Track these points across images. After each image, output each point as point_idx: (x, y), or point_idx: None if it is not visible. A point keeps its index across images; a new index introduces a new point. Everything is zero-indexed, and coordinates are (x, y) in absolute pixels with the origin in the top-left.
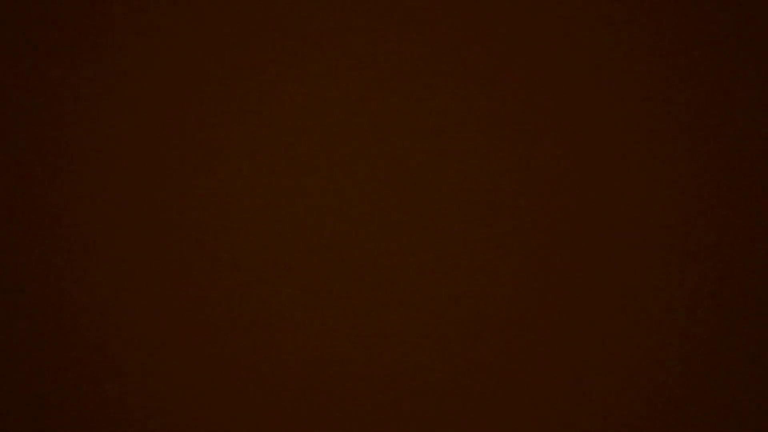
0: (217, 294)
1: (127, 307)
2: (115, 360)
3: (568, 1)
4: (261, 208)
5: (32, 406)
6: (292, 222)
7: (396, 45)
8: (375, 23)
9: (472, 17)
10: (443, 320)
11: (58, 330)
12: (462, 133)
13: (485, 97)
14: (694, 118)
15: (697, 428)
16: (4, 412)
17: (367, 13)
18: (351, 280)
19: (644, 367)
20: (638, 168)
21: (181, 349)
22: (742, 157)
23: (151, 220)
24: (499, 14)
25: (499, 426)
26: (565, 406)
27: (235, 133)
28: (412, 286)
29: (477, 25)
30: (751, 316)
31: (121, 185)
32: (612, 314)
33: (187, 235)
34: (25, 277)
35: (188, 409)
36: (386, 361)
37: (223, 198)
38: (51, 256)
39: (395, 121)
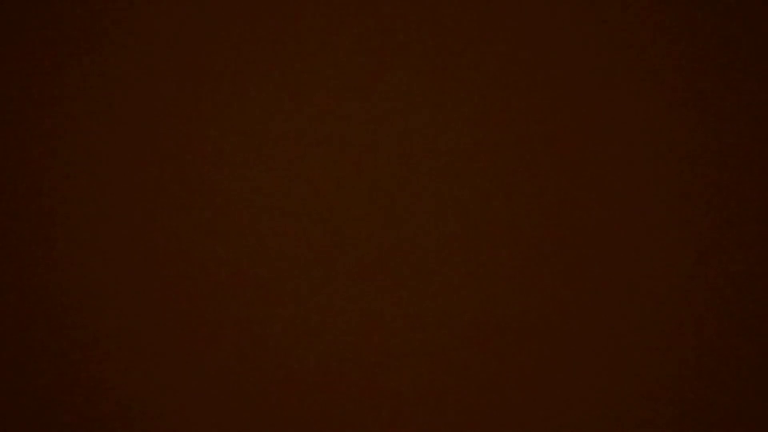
0: (214, 294)
1: (125, 307)
2: (114, 360)
3: (570, 1)
4: (257, 208)
5: (28, 405)
6: (289, 222)
7: (396, 44)
8: (375, 23)
9: (473, 17)
10: (443, 321)
11: (54, 330)
12: (462, 133)
13: (486, 97)
14: (695, 119)
15: (697, 428)
16: (4, 411)
17: (368, 12)
18: (349, 281)
19: (644, 368)
20: (639, 168)
21: (180, 349)
22: (743, 157)
23: (147, 220)
24: (500, 14)
25: (501, 426)
26: (566, 406)
27: (231, 133)
28: (413, 286)
29: (478, 25)
30: (753, 317)
31: (117, 185)
32: (614, 315)
33: (184, 235)
34: (21, 277)
35: (186, 409)
36: (386, 361)
37: (220, 197)
38: (48, 255)
39: (395, 121)
